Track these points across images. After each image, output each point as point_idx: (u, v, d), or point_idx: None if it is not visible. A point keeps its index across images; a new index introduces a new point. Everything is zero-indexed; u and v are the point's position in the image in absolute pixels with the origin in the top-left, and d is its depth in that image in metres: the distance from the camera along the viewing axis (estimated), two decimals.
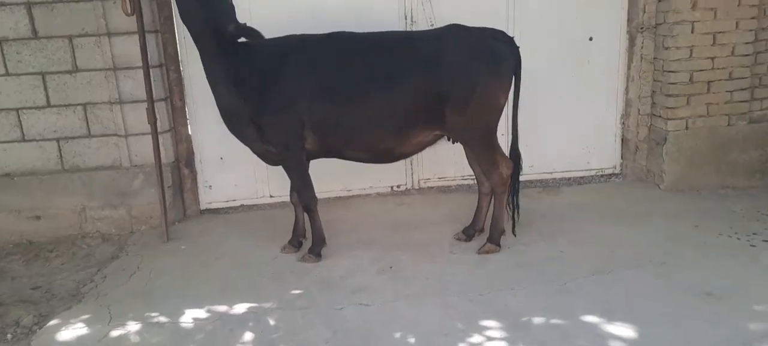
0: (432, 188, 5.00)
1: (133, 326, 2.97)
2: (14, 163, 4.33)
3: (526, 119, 4.77)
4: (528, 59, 4.58)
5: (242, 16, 3.60)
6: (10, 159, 4.32)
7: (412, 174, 4.95)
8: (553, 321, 2.84)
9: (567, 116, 4.89)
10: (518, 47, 3.48)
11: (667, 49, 4.51)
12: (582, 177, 5.08)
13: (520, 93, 3.60)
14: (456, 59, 3.30)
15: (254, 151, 3.62)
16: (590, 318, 2.85)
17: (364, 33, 3.46)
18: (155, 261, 3.81)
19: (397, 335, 2.79)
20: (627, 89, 4.88)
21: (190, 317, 3.04)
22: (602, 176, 5.11)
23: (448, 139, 3.64)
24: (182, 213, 4.66)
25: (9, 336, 2.97)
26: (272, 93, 3.33)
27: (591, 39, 4.75)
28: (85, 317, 3.10)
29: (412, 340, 2.74)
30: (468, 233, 3.87)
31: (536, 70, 4.68)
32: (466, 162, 3.94)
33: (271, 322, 2.96)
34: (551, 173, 5.06)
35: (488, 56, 3.35)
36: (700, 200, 4.43)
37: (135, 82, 4.16)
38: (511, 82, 3.49)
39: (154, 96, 4.04)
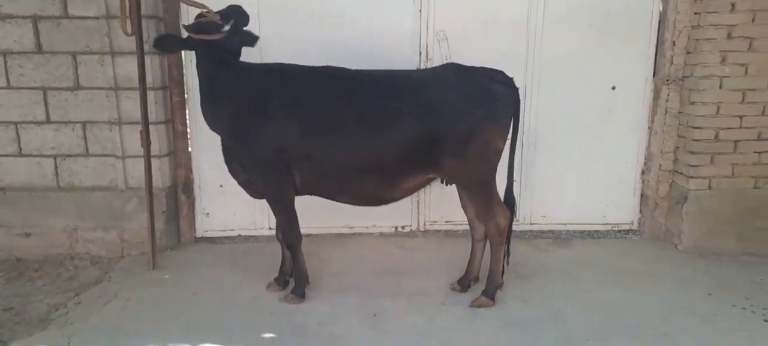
0: (438, 230, 4.77)
1: None
2: (9, 177, 4.27)
3: (541, 167, 4.60)
4: (546, 106, 4.42)
5: (252, 56, 3.54)
6: (6, 173, 4.26)
7: (418, 215, 4.73)
8: None
9: (584, 166, 4.64)
10: (517, 89, 3.28)
11: (693, 103, 4.24)
12: (596, 231, 4.78)
13: (518, 137, 3.42)
14: (451, 101, 3.11)
15: (237, 181, 3.46)
16: None
17: (356, 70, 3.30)
18: (134, 291, 3.65)
19: None
20: (649, 143, 4.60)
21: None
22: (618, 231, 4.80)
23: (442, 182, 3.44)
24: (176, 240, 4.53)
25: None
26: (253, 123, 3.18)
27: (614, 88, 4.51)
28: None
29: None
30: (463, 284, 3.63)
31: (554, 117, 4.50)
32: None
33: None
34: (564, 224, 4.78)
35: (485, 98, 3.15)
36: (718, 266, 4.09)
37: (136, 103, 4.08)
38: (509, 125, 3.29)
39: (155, 118, 3.95)
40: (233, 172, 3.42)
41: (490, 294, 3.42)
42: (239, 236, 4.64)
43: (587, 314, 3.35)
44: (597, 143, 4.61)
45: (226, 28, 3.20)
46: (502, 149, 3.29)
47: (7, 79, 4.13)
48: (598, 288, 3.70)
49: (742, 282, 3.80)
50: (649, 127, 4.57)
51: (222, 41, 3.20)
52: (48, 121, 4.21)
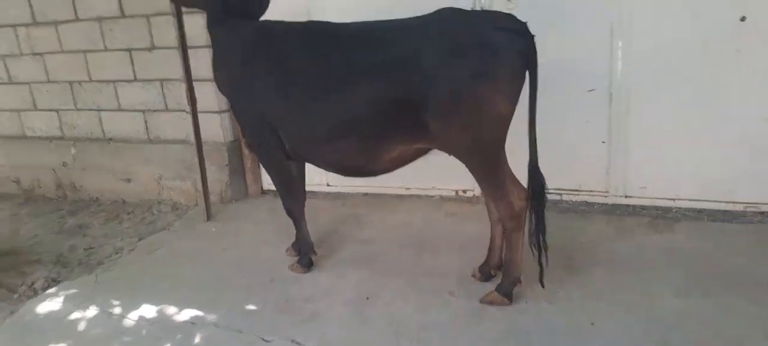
0: None
1: (91, 312, 3.05)
2: (113, 129, 4.85)
3: (637, 125, 3.60)
4: (648, 46, 3.43)
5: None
6: (111, 125, 4.85)
7: None
8: None
9: (703, 124, 3.50)
10: (532, 36, 2.49)
11: None
12: (723, 212, 3.60)
13: (538, 94, 2.59)
14: (434, 55, 2.49)
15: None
16: None
17: (338, 24, 2.84)
18: (179, 242, 3.90)
19: None
20: None
21: (139, 314, 2.99)
22: (758, 213, 3.55)
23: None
24: (244, 192, 4.70)
25: (15, 296, 3.32)
26: (239, 85, 3.01)
27: (743, 19, 3.23)
28: (72, 292, 3.29)
29: None
30: (483, 272, 3.06)
31: (659, 60, 3.45)
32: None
33: (196, 339, 2.75)
34: (673, 199, 3.71)
35: (477, 49, 2.45)
36: None
37: (200, 61, 4.22)
38: (517, 83, 2.54)
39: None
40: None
41: (504, 290, 2.82)
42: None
43: (629, 330, 2.55)
44: (721, 93, 3.40)
45: None
46: (509, 113, 2.57)
47: (104, 43, 4.61)
48: (674, 296, 2.78)
49: None
50: None
51: None
52: (135, 79, 4.62)
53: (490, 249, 3.04)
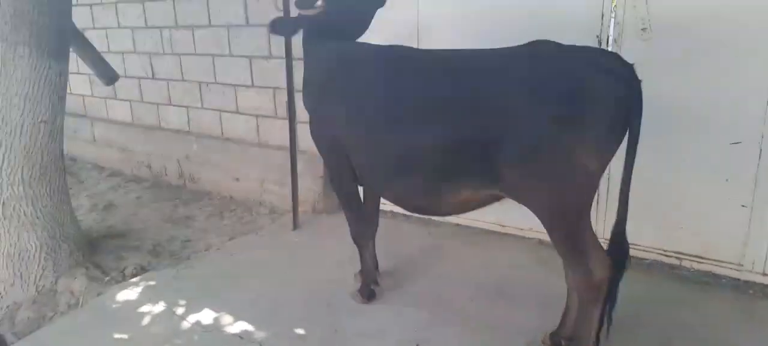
0: None
1: (158, 308, 3.17)
2: (230, 130, 5.13)
3: None
4: None
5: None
6: (229, 126, 5.13)
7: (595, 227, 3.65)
8: None
9: None
10: (638, 81, 2.07)
11: None
12: None
13: (637, 150, 2.16)
14: (516, 94, 2.17)
15: None
16: None
17: (431, 50, 2.63)
18: (261, 248, 3.97)
19: None
20: None
21: (197, 318, 3.04)
22: None
23: None
24: (336, 206, 4.64)
25: (107, 279, 3.57)
26: (318, 103, 2.93)
27: None
28: (151, 284, 3.47)
29: None
30: (554, 341, 2.64)
31: None
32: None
33: None
34: None
35: (567, 93, 2.08)
36: None
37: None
38: (612, 138, 2.12)
39: None
40: None
41: None
42: (392, 212, 4.46)
43: None
44: None
45: (319, 2, 2.99)
46: (599, 172, 2.17)
47: (230, 48, 4.89)
48: None
49: None
50: None
51: (321, 17, 3.00)
52: (252, 85, 4.83)
53: (564, 316, 2.62)
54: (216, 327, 2.96)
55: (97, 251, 3.87)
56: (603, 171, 2.21)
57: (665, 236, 3.37)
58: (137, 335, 2.93)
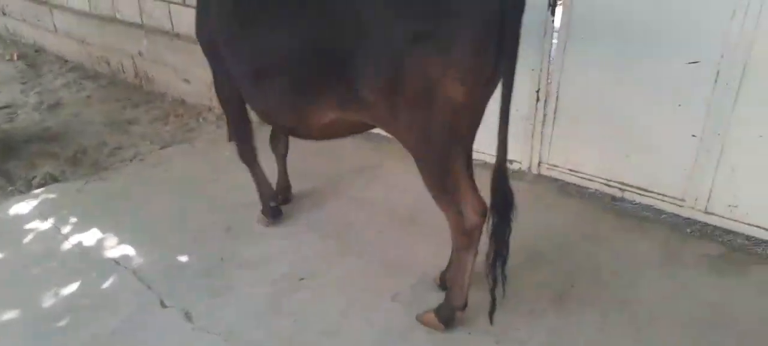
0: (556, 180, 3.23)
1: (46, 225, 2.98)
2: (180, 25, 4.70)
3: (753, 119, 2.42)
4: None
5: None
6: (179, 20, 4.70)
7: (531, 150, 3.26)
8: None
9: None
10: None
11: None
12: None
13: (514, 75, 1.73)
14: (369, 2, 1.76)
15: None
16: None
17: None
18: (185, 161, 3.74)
19: None
20: None
21: (80, 239, 2.86)
22: None
23: None
24: None
25: (10, 189, 3.36)
26: (200, 13, 2.61)
27: None
28: (51, 197, 3.26)
29: None
30: (443, 279, 2.38)
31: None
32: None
33: (104, 284, 2.53)
34: None
35: (425, 5, 1.67)
36: None
37: None
38: (480, 60, 1.70)
39: None
40: None
41: (442, 314, 2.18)
42: None
43: None
44: None
45: None
46: (466, 100, 1.77)
47: None
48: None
49: None
50: None
51: None
52: None
53: (450, 259, 2.31)
54: (96, 249, 2.78)
55: (11, 157, 3.69)
56: (477, 99, 1.82)
57: (610, 164, 2.97)
58: (10, 253, 2.77)
